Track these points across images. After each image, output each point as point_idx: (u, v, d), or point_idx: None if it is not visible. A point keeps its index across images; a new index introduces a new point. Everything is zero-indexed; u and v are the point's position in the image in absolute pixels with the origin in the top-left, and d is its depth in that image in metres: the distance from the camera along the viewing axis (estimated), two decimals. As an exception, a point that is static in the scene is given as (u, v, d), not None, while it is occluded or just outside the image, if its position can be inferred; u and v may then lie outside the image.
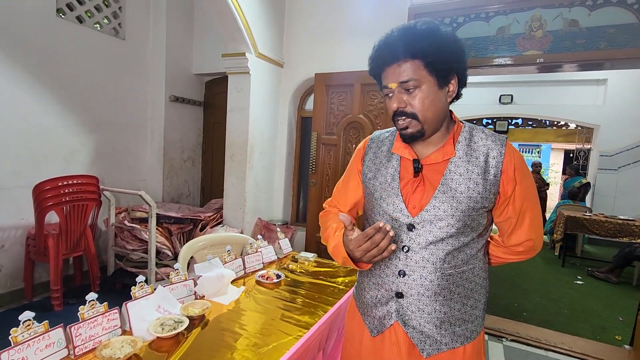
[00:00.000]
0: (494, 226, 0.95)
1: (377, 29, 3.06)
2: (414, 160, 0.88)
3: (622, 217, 4.54)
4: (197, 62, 3.89)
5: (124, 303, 1.05)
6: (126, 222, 2.94)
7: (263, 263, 1.67)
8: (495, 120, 7.73)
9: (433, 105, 0.82)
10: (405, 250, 0.87)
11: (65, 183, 2.63)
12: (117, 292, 2.98)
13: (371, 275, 0.94)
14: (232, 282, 1.45)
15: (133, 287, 1.09)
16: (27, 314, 0.85)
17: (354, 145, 3.07)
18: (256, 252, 1.63)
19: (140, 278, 1.10)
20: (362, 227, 0.99)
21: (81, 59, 3.03)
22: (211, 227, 3.10)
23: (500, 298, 3.41)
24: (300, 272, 1.65)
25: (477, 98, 7.00)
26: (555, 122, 7.45)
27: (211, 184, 4.17)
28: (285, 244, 1.83)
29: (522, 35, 2.55)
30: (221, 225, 3.16)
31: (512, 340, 2.56)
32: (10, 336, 0.81)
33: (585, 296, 3.70)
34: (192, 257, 1.79)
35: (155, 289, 1.13)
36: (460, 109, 7.20)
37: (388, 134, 0.98)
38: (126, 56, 3.40)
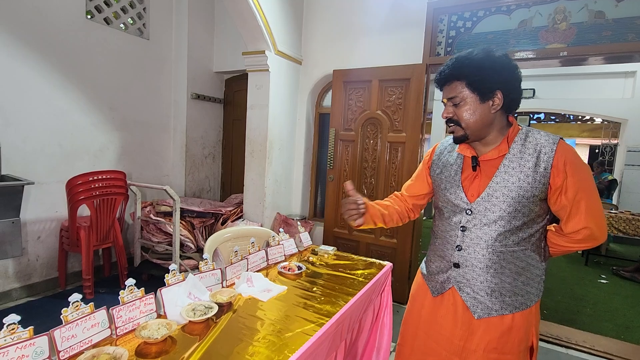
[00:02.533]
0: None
1: (395, 25, 3.10)
2: (472, 157, 1.09)
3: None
4: (217, 60, 3.98)
5: (158, 289, 1.12)
6: (152, 215, 3.07)
7: (285, 255, 1.73)
8: (516, 115, 7.51)
9: (474, 115, 1.02)
10: (462, 230, 1.08)
11: (95, 178, 2.76)
12: (144, 282, 3.12)
13: (436, 249, 1.18)
14: (257, 271, 1.52)
15: (166, 274, 1.16)
16: (75, 296, 0.92)
17: (371, 141, 3.09)
18: (278, 244, 1.69)
19: (173, 266, 1.17)
20: (433, 215, 1.26)
21: (109, 59, 3.17)
22: (232, 221, 3.19)
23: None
24: (320, 264, 1.70)
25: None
26: (580, 117, 7.22)
27: (231, 180, 4.27)
28: (305, 237, 1.89)
29: (545, 29, 2.50)
30: (242, 219, 3.25)
31: (531, 337, 2.53)
32: (62, 315, 0.89)
33: (609, 295, 3.61)
34: (216, 249, 1.87)
35: (186, 277, 1.20)
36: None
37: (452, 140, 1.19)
38: (150, 56, 3.52)
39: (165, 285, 1.15)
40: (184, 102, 3.74)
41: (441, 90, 1.09)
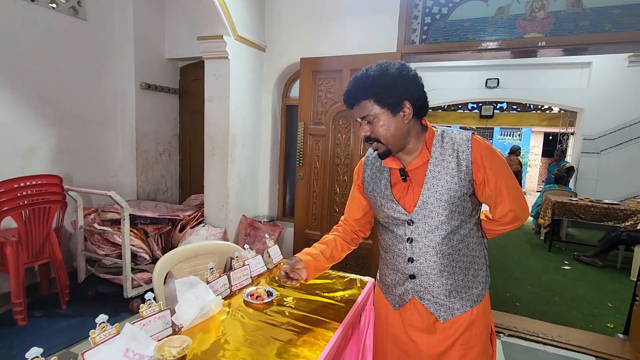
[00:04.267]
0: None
1: (367, 10, 2.85)
2: (400, 169, 1.10)
3: (607, 202, 4.57)
4: (169, 45, 3.55)
5: (80, 354, 0.84)
6: (96, 225, 2.68)
7: (252, 277, 1.48)
8: (481, 104, 7.65)
9: (390, 129, 1.03)
10: (409, 242, 1.08)
11: (22, 185, 2.34)
12: (90, 300, 2.74)
13: (387, 263, 1.18)
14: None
15: (92, 330, 0.88)
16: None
17: (344, 136, 2.87)
18: (243, 265, 1.44)
19: (102, 318, 0.89)
20: (377, 228, 1.25)
21: (36, 42, 2.68)
22: (191, 227, 2.87)
23: (494, 289, 3.37)
24: (293, 285, 1.47)
25: (463, 82, 6.88)
26: (540, 106, 7.45)
27: (190, 178, 3.90)
28: (275, 252, 1.65)
29: (523, 17, 2.38)
30: (202, 224, 2.94)
31: (509, 336, 2.50)
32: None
33: (574, 282, 3.71)
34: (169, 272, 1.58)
35: (121, 329, 0.92)
36: (447, 95, 7.09)
37: (376, 154, 1.16)
38: (88, 39, 3.05)
39: (106, 307, 0.87)
40: (131, 93, 3.31)
41: (351, 110, 1.07)
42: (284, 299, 1.35)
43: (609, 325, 2.89)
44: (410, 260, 1.08)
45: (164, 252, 2.90)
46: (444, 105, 7.96)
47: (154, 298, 1.05)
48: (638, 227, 3.98)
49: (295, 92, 3.32)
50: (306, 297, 1.37)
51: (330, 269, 1.67)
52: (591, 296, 3.40)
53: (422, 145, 1.07)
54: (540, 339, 2.45)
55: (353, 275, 1.58)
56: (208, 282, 1.24)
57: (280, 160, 3.46)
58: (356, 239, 1.32)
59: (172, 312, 1.10)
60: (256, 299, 1.30)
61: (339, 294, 1.41)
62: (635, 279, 3.90)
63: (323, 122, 2.92)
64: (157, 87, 3.49)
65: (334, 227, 1.35)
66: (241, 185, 3.08)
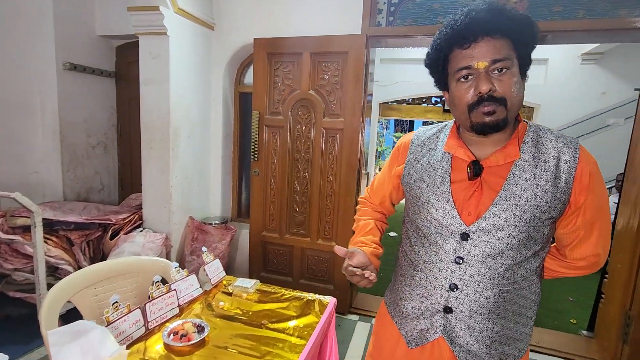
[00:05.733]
0: None
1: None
2: (473, 162, 0.78)
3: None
4: (101, 20, 3.03)
5: None
6: (0, 233, 2.18)
7: (180, 305, 1.15)
8: (443, 99, 7.67)
9: (519, 92, 0.73)
10: (458, 263, 0.79)
11: None
12: (-3, 324, 2.26)
13: (414, 285, 0.87)
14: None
15: None
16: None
17: (304, 128, 2.58)
18: (167, 292, 1.11)
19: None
20: (404, 229, 0.94)
21: None
22: (126, 233, 2.45)
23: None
24: (235, 312, 1.17)
25: (428, 76, 6.78)
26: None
27: (132, 175, 3.42)
28: (213, 269, 1.33)
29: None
30: (140, 229, 2.53)
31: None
32: None
33: (536, 277, 3.72)
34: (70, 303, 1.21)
35: None
36: (411, 88, 7.01)
37: (435, 130, 0.90)
38: (-9, 6, 2.49)
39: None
40: (52, 74, 2.77)
41: (450, 52, 0.75)
42: (220, 334, 1.05)
43: (572, 321, 2.87)
44: (453, 288, 0.80)
45: (92, 262, 2.46)
46: (409, 99, 7.90)
47: None
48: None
49: (249, 78, 2.96)
50: (249, 331, 1.07)
51: (290, 287, 1.39)
52: (552, 292, 3.40)
53: (511, 138, 0.77)
54: (510, 342, 2.33)
55: (311, 295, 1.30)
56: (109, 323, 0.90)
57: (234, 155, 3.10)
58: (385, 220, 1.05)
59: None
60: (181, 338, 0.98)
61: (293, 323, 1.12)
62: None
63: (281, 112, 2.60)
64: (86, 68, 2.97)
65: (359, 208, 1.08)
66: (187, 182, 2.69)
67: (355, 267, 0.81)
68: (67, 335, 0.79)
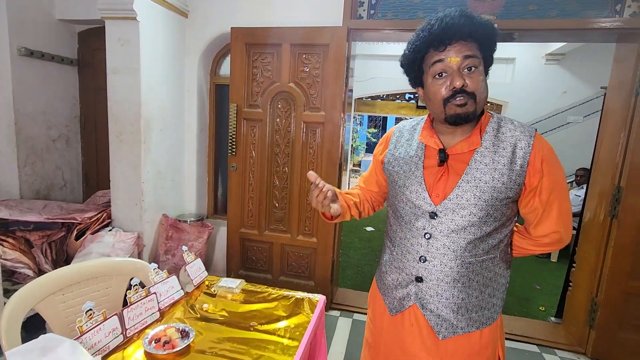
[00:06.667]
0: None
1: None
2: (440, 150, 0.90)
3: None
4: (62, 2, 2.80)
5: None
6: (-53, 235, 1.97)
7: (160, 309, 1.07)
8: (416, 95, 7.81)
9: (485, 89, 0.85)
10: (427, 237, 0.91)
11: None
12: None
13: (393, 259, 1.00)
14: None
15: None
16: None
17: (283, 121, 2.51)
18: (146, 296, 1.02)
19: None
20: (387, 214, 1.06)
21: None
22: (93, 233, 2.28)
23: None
24: (220, 315, 1.10)
25: (400, 71, 6.90)
26: (469, 98, 7.84)
27: (97, 170, 3.20)
28: (195, 269, 1.25)
29: (474, -4, 2.24)
30: (109, 228, 2.37)
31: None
32: None
33: (504, 267, 3.88)
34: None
35: None
36: (386, 84, 7.08)
37: (414, 123, 1.01)
38: None
39: None
40: (5, 60, 2.52)
41: (439, 49, 0.83)
42: (206, 338, 0.98)
43: (540, 308, 3.02)
44: (423, 259, 0.92)
45: (55, 265, 2.28)
46: (383, 95, 7.98)
47: None
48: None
49: (226, 69, 2.84)
50: (237, 334, 1.02)
51: (270, 284, 1.35)
52: (520, 279, 3.56)
53: (475, 129, 0.88)
54: (486, 331, 2.41)
55: (300, 294, 1.25)
56: (81, 334, 0.82)
57: (210, 149, 2.98)
58: (376, 204, 1.16)
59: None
60: (164, 345, 0.91)
61: (283, 324, 1.07)
62: (555, 260, 4.25)
63: (259, 105, 2.52)
64: (44, 54, 2.73)
65: (353, 189, 1.17)
66: (160, 178, 2.55)
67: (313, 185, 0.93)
68: (31, 354, 0.70)
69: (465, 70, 0.82)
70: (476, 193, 0.85)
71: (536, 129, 0.88)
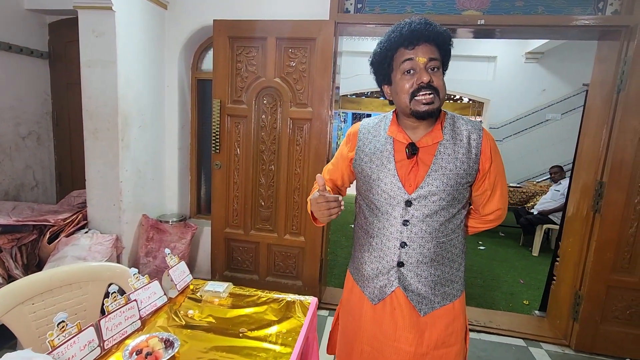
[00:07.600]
0: None
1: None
2: (410, 144, 0.98)
3: (511, 185, 5.00)
4: (30, -10, 2.63)
5: None
6: None
7: (142, 318, 1.00)
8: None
9: (445, 88, 0.96)
10: (405, 224, 0.99)
11: None
12: None
13: (372, 249, 1.05)
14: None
15: None
16: None
17: (269, 117, 2.44)
18: (126, 303, 0.95)
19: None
20: (357, 207, 1.14)
21: None
22: (67, 235, 2.16)
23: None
24: (207, 322, 1.04)
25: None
26: (452, 96, 7.94)
27: (72, 168, 3.04)
28: (179, 273, 1.18)
29: (462, -8, 2.23)
30: (85, 230, 2.25)
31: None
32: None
33: (490, 262, 3.93)
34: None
35: None
36: (370, 82, 7.08)
37: (377, 121, 1.09)
38: None
39: None
40: (-33, 52, 2.36)
41: (395, 52, 0.95)
42: (192, 348, 0.92)
43: (525, 302, 3.06)
44: (403, 244, 1.00)
45: (26, 270, 2.15)
46: (368, 92, 7.98)
47: None
48: (537, 210, 4.38)
49: (208, 63, 2.75)
50: (226, 341, 0.95)
51: (256, 285, 1.29)
52: (505, 274, 3.62)
53: (436, 124, 1.00)
54: (474, 326, 2.42)
55: (291, 296, 1.20)
56: (53, 348, 0.74)
57: (192, 146, 2.88)
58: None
59: None
60: (146, 357, 0.84)
61: (274, 329, 1.02)
62: (537, 255, 4.35)
63: (244, 101, 2.44)
64: (11, 46, 2.56)
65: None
66: (139, 177, 2.44)
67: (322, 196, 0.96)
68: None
69: (430, 70, 0.93)
70: (444, 180, 0.96)
71: (481, 121, 0.92)
